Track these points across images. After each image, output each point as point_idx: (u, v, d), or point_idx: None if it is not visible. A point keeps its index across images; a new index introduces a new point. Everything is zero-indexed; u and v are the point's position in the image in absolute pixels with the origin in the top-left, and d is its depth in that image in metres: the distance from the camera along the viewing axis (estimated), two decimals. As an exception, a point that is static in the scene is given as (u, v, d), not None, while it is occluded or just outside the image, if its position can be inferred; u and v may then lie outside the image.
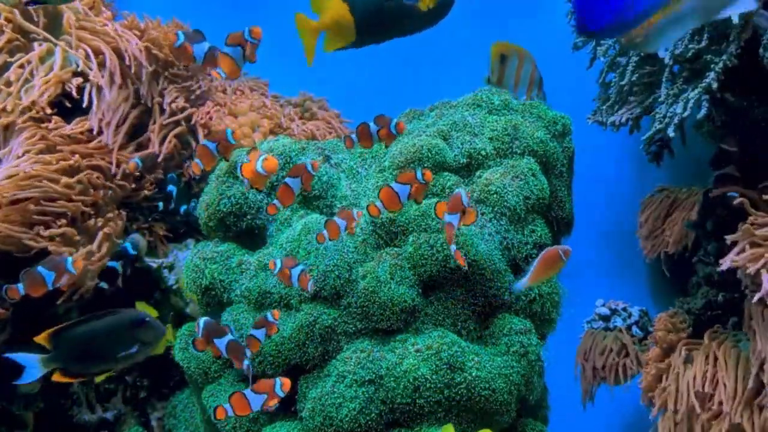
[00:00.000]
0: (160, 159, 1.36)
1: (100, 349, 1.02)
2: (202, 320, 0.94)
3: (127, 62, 1.34)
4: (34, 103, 1.28)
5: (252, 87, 1.60)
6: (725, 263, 1.10)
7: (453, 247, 0.94)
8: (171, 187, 1.37)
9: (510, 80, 1.25)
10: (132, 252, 1.24)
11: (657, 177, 1.60)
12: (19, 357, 0.99)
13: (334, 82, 1.68)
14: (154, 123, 1.37)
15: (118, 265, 1.22)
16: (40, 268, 1.00)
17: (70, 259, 1.01)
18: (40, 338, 0.99)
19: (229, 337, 0.93)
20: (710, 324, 1.29)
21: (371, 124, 1.01)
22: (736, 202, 1.19)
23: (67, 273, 1.01)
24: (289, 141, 1.19)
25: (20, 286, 1.00)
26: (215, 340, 0.93)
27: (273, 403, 0.90)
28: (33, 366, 0.99)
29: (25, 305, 1.25)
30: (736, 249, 1.10)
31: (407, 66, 1.73)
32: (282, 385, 0.89)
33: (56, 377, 1.01)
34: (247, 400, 0.89)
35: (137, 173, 1.33)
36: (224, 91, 1.48)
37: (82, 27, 1.35)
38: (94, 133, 1.32)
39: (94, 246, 1.24)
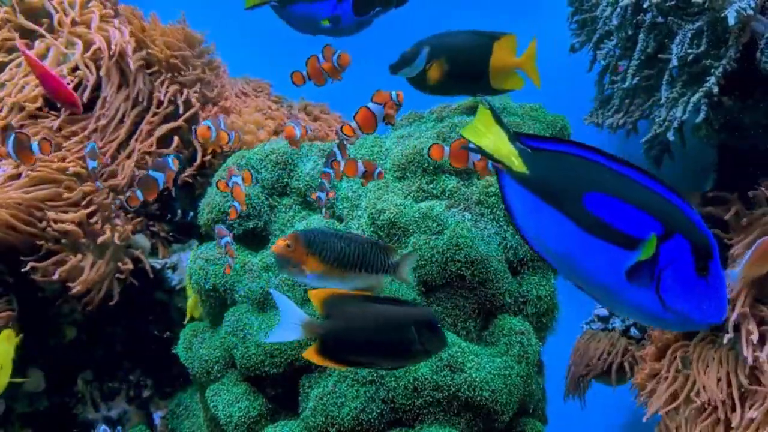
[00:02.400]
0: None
1: (374, 338, 0.82)
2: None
3: (113, 55, 1.32)
4: (25, 101, 1.29)
5: (255, 89, 1.61)
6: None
7: None
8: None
9: None
10: (172, 167, 1.06)
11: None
12: (283, 302, 0.81)
13: (335, 84, 1.69)
14: (154, 116, 1.36)
15: (162, 176, 1.05)
16: (151, 172, 1.00)
17: (170, 157, 1.00)
18: (315, 298, 0.81)
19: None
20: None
21: (370, 105, 0.98)
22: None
23: (169, 170, 1.00)
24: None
25: (138, 192, 0.99)
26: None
27: None
28: (294, 323, 0.80)
29: (29, 304, 1.27)
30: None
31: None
32: None
33: (308, 354, 0.80)
34: None
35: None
36: (226, 99, 1.48)
37: (76, 23, 1.35)
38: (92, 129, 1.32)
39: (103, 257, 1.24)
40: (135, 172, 1.32)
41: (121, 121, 1.34)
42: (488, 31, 1.13)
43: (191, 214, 1.37)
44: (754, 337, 1.09)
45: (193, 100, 1.40)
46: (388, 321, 0.82)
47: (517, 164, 0.74)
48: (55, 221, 1.21)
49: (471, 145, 0.76)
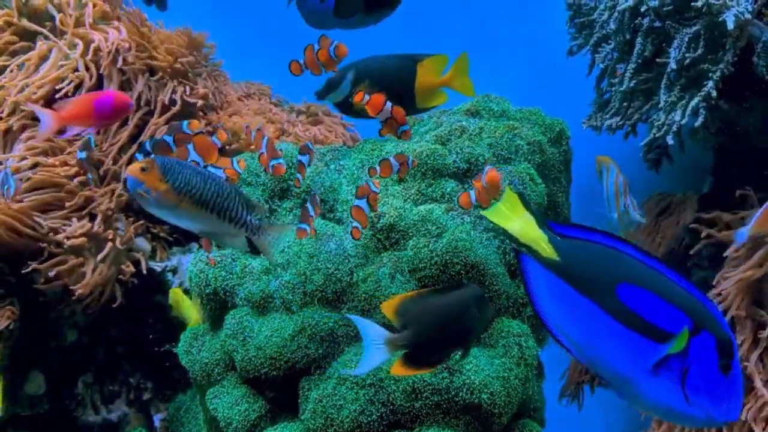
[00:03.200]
0: None
1: (449, 330, 0.81)
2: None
3: (106, 55, 1.32)
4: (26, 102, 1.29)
5: (255, 91, 1.62)
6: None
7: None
8: None
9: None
10: (186, 130, 1.03)
11: (654, 182, 1.62)
12: (362, 324, 0.78)
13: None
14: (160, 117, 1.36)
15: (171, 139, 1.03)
16: (164, 136, 0.99)
17: (185, 122, 0.99)
18: (387, 309, 0.78)
19: None
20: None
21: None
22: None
23: (181, 134, 0.98)
24: (291, 146, 1.21)
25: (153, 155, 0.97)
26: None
27: None
28: (378, 343, 0.77)
29: (30, 307, 1.27)
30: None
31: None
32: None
33: (398, 370, 0.78)
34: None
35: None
36: (230, 104, 1.49)
37: (78, 24, 1.36)
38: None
39: (101, 255, 1.25)
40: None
41: (124, 123, 1.35)
42: (414, 53, 1.16)
43: None
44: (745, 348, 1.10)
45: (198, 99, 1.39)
46: (456, 310, 0.82)
47: (547, 250, 0.73)
48: (67, 237, 1.22)
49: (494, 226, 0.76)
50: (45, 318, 1.30)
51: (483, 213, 0.78)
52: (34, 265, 1.21)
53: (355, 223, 0.98)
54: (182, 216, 0.83)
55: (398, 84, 1.11)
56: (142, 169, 0.80)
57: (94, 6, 1.39)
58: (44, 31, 1.35)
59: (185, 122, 0.98)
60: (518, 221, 0.75)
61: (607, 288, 0.71)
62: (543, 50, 1.63)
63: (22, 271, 1.21)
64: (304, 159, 1.05)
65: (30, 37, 1.38)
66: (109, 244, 1.24)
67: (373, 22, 1.26)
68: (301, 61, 1.01)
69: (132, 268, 1.28)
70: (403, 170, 0.98)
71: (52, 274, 1.22)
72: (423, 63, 1.12)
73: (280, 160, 1.01)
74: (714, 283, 1.22)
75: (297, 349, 1.01)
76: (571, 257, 0.73)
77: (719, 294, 1.20)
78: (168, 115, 1.37)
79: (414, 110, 1.16)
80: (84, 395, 1.34)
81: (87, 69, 1.32)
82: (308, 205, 0.97)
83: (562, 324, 0.73)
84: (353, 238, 0.99)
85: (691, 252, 1.34)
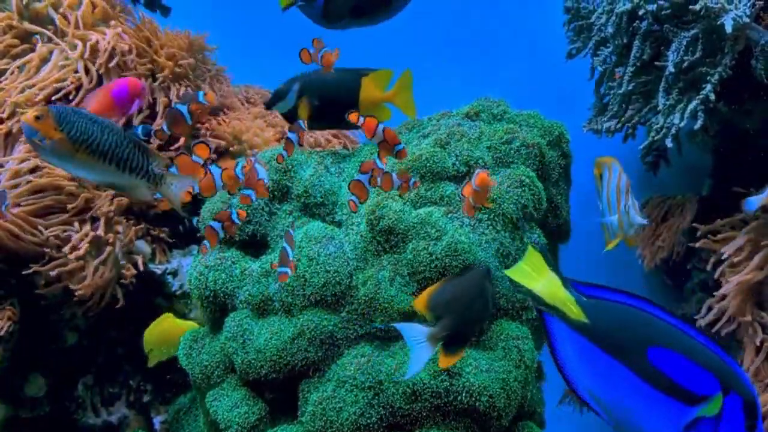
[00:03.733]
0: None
1: (476, 310, 0.85)
2: None
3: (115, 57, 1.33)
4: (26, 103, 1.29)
5: (254, 95, 1.62)
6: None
7: None
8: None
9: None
10: (201, 100, 1.00)
11: (653, 185, 1.62)
12: (404, 327, 0.81)
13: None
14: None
15: (186, 108, 0.99)
16: (176, 105, 0.97)
17: (201, 92, 0.97)
18: (419, 306, 0.81)
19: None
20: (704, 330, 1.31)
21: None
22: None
23: (196, 102, 0.96)
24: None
25: (164, 126, 0.97)
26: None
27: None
28: (422, 342, 0.79)
29: (31, 309, 1.27)
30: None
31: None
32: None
33: (447, 362, 0.81)
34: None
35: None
36: (232, 108, 1.49)
37: (77, 25, 1.36)
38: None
39: (101, 259, 1.25)
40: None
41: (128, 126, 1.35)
42: (360, 68, 1.17)
43: (195, 219, 1.38)
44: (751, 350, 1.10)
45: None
46: (476, 289, 0.85)
47: (575, 312, 0.74)
48: (72, 249, 1.22)
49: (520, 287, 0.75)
50: (45, 320, 1.30)
51: (506, 273, 0.78)
52: (35, 267, 1.22)
53: (352, 197, 0.97)
54: (79, 166, 0.80)
55: (343, 97, 1.13)
56: (37, 117, 0.77)
57: (95, 7, 1.40)
58: (46, 31, 1.36)
59: (201, 92, 0.98)
60: (543, 281, 0.75)
61: (637, 350, 0.71)
62: (542, 53, 1.64)
63: (23, 273, 1.22)
64: (293, 136, 1.04)
65: (31, 40, 1.39)
66: (109, 247, 1.25)
67: (370, 24, 1.28)
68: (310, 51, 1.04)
69: (133, 270, 1.28)
70: (404, 188, 0.98)
71: (53, 273, 1.22)
72: (369, 77, 1.14)
73: (250, 192, 1.00)
74: (715, 277, 1.22)
75: (296, 351, 1.01)
76: (600, 319, 0.73)
77: (722, 297, 1.20)
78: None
79: (353, 125, 1.18)
80: (84, 397, 1.34)
81: (87, 70, 1.33)
82: (286, 246, 0.96)
83: (590, 385, 0.74)
84: (350, 209, 0.98)
85: (696, 244, 1.33)
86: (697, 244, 1.27)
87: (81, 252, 1.22)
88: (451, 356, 0.82)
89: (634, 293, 0.74)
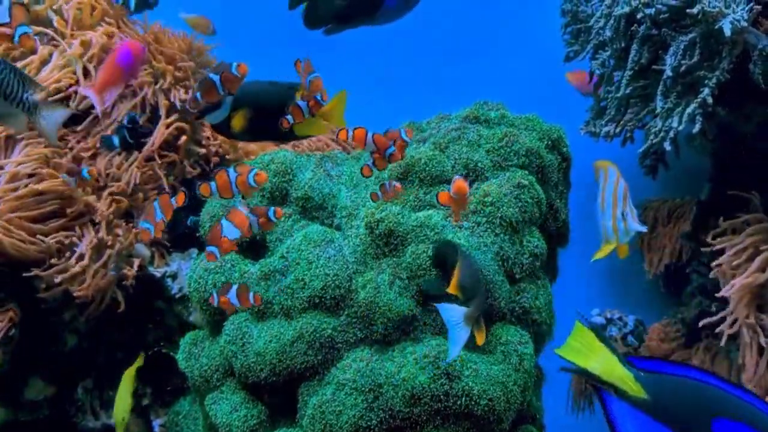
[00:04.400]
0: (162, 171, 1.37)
1: (483, 279, 0.92)
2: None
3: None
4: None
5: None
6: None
7: None
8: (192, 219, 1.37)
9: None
10: (234, 72, 1.02)
11: (652, 188, 1.62)
12: (444, 308, 0.85)
13: (332, 91, 1.71)
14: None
15: (218, 78, 1.00)
16: (210, 75, 0.98)
17: (235, 63, 0.98)
18: (453, 290, 0.86)
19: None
20: (704, 334, 1.31)
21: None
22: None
23: (229, 74, 0.97)
24: (290, 153, 1.21)
25: (197, 94, 0.98)
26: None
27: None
28: (459, 326, 0.85)
29: (31, 312, 1.28)
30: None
31: (405, 80, 1.76)
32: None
33: (483, 337, 0.87)
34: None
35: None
36: None
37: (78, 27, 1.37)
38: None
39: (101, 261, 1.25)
40: (136, 179, 1.33)
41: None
42: (291, 81, 1.18)
43: (190, 219, 1.38)
44: (753, 351, 1.10)
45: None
46: (477, 263, 0.90)
47: (635, 389, 0.73)
48: (80, 256, 1.22)
49: (572, 367, 0.75)
50: (45, 323, 1.30)
51: (556, 352, 0.77)
52: (36, 271, 1.22)
53: (368, 161, 0.99)
54: None
55: (276, 110, 1.12)
56: None
57: (94, 9, 1.40)
58: (48, 30, 1.36)
59: (235, 63, 0.98)
60: (597, 359, 0.74)
61: (702, 424, 0.71)
62: (541, 56, 1.64)
63: (24, 275, 1.22)
64: (302, 105, 1.04)
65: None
66: (109, 250, 1.25)
67: (352, 27, 1.28)
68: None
69: (134, 272, 1.28)
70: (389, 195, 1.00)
71: (57, 281, 1.22)
72: (301, 92, 1.14)
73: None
74: (715, 275, 1.22)
75: (296, 355, 1.02)
76: (660, 394, 0.72)
77: (723, 300, 1.20)
78: (172, 119, 1.38)
79: (292, 137, 1.18)
80: (84, 401, 1.34)
81: (86, 71, 1.33)
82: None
83: None
84: (363, 174, 1.00)
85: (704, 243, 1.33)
86: (708, 247, 1.26)
87: (86, 261, 1.22)
88: (483, 333, 0.86)
89: (691, 364, 0.73)
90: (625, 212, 1.12)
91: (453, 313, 0.84)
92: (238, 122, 1.09)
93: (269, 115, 1.10)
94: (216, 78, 0.97)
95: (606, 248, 1.11)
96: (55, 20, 1.37)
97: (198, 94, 0.99)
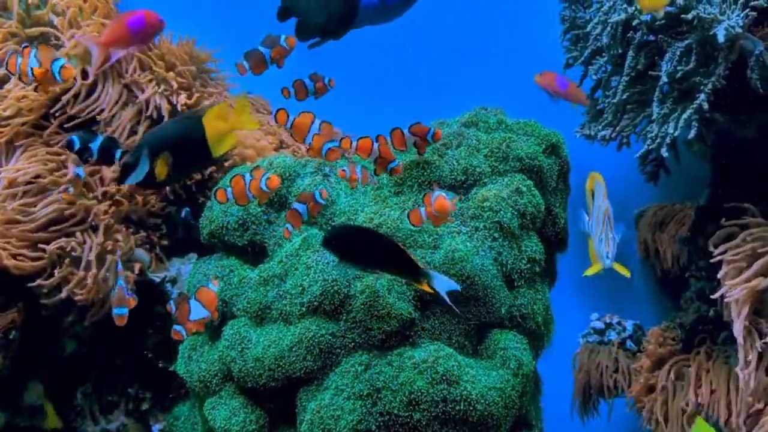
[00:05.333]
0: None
1: None
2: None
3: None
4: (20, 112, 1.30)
5: (253, 103, 1.63)
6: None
7: None
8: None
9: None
10: (283, 44, 1.05)
11: (651, 193, 1.63)
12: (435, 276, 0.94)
13: (332, 96, 1.72)
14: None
15: (269, 51, 1.05)
16: (259, 47, 1.00)
17: (283, 36, 0.99)
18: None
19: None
20: (702, 338, 1.31)
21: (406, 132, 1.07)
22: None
23: (279, 46, 0.98)
24: (290, 158, 1.22)
25: (245, 62, 1.00)
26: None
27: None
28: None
29: (31, 317, 1.28)
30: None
31: (404, 86, 1.76)
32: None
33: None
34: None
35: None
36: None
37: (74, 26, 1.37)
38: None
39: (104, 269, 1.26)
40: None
41: (134, 132, 1.35)
42: (193, 110, 1.21)
43: (184, 211, 1.38)
44: (753, 356, 1.10)
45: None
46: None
47: None
48: (88, 265, 1.22)
49: None
50: (45, 328, 1.30)
51: None
52: (39, 281, 1.22)
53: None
54: None
55: (191, 142, 1.14)
56: None
57: (95, 9, 1.41)
58: (52, 30, 1.37)
59: (283, 36, 0.99)
60: None
61: None
62: (541, 62, 1.65)
63: (28, 285, 1.22)
64: (310, 84, 1.08)
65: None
66: (110, 255, 1.25)
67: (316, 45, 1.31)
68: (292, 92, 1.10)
69: (134, 275, 1.29)
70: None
71: (64, 295, 1.22)
72: (206, 115, 1.15)
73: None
74: (719, 276, 1.21)
75: (295, 360, 1.02)
76: None
77: (723, 304, 1.20)
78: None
79: (212, 161, 1.20)
80: (83, 406, 1.34)
81: (84, 72, 1.33)
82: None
83: None
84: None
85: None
86: (708, 254, 1.26)
87: (94, 270, 1.23)
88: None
89: None
90: (604, 237, 1.11)
91: (444, 285, 0.93)
92: (162, 170, 1.11)
93: (186, 150, 1.12)
94: (266, 51, 0.99)
95: (596, 267, 1.11)
96: (57, 21, 1.38)
97: (247, 65, 1.00)
